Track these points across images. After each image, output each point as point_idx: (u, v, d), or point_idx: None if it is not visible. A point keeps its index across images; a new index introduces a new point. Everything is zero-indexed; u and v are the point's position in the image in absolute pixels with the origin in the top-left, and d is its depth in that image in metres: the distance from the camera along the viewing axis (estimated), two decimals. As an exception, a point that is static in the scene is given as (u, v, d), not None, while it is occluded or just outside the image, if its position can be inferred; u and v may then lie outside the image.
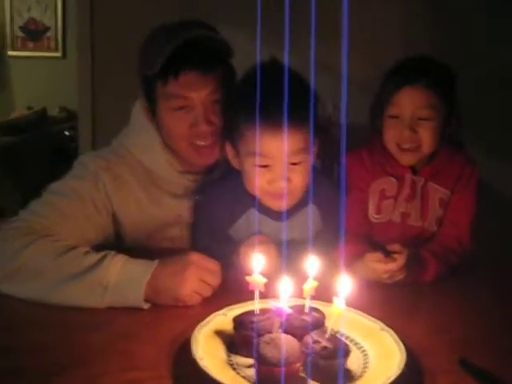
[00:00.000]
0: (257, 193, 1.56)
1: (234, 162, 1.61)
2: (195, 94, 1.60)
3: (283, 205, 1.55)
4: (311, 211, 1.63)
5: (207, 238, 1.68)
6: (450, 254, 1.67)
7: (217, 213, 1.66)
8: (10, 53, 6.75)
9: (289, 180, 1.50)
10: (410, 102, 1.66)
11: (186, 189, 1.75)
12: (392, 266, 1.51)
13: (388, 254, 1.51)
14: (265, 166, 1.50)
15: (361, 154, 1.78)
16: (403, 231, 1.74)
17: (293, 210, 1.63)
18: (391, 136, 1.70)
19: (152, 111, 1.69)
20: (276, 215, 1.62)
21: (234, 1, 3.27)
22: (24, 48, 6.68)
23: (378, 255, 1.52)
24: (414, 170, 1.74)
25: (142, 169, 1.72)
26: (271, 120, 1.42)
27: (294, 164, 1.50)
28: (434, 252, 1.64)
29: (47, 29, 6.64)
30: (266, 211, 1.62)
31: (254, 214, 1.63)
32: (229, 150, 1.61)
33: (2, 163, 4.73)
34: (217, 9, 3.20)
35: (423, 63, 1.72)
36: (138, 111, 1.75)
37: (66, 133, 5.71)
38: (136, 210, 1.71)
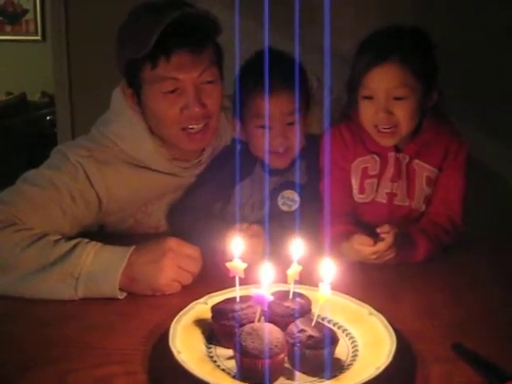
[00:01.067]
0: (260, 153, 1.71)
1: (242, 135, 1.75)
2: (187, 76, 1.52)
3: (285, 161, 1.72)
4: (298, 166, 1.75)
5: (209, 198, 1.73)
6: (442, 232, 1.61)
7: (226, 172, 1.71)
8: (-12, 37, 6.61)
9: (286, 138, 1.67)
10: (382, 83, 1.55)
11: (176, 175, 1.70)
12: (380, 245, 1.47)
13: (376, 236, 1.47)
14: (265, 127, 1.66)
15: (340, 130, 1.70)
16: (390, 211, 1.68)
17: (287, 168, 1.75)
18: (367, 118, 1.61)
19: (137, 97, 1.60)
20: (273, 171, 1.75)
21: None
22: (2, 32, 6.53)
23: (366, 239, 1.48)
24: (397, 147, 1.66)
25: (126, 155, 1.64)
26: (269, 87, 1.58)
27: (290, 124, 1.66)
28: (425, 230, 1.59)
29: (25, 11, 6.49)
30: (269, 171, 1.76)
31: (258, 174, 1.75)
32: (237, 124, 1.73)
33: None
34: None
35: (393, 36, 1.59)
36: (119, 99, 1.66)
37: (48, 118, 5.60)
38: (125, 190, 1.64)
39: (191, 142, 1.61)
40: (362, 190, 1.68)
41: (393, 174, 1.65)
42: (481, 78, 2.96)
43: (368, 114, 1.59)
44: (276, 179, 1.75)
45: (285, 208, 1.72)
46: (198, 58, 1.53)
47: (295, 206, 1.72)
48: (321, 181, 1.69)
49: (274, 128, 1.66)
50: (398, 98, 1.55)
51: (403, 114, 1.56)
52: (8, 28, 6.54)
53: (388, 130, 1.58)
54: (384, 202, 1.67)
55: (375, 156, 1.67)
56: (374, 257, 1.48)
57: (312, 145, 1.75)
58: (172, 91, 1.53)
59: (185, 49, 1.50)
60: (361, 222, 1.66)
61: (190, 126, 1.58)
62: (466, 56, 2.87)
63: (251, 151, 1.74)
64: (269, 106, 1.62)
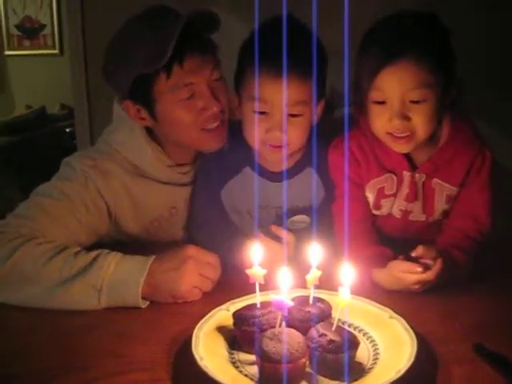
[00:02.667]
0: (255, 142, 1.54)
1: (237, 112, 1.58)
2: (201, 77, 1.54)
3: (280, 157, 1.54)
4: (308, 173, 1.61)
5: (205, 200, 1.66)
6: (476, 245, 1.49)
7: (213, 168, 1.64)
8: (7, 52, 6.71)
9: (285, 132, 1.48)
10: (395, 85, 1.34)
11: (177, 181, 1.71)
12: (427, 275, 1.32)
13: (414, 260, 1.35)
14: (263, 113, 1.47)
15: (350, 147, 1.54)
16: (405, 225, 1.58)
17: (290, 173, 1.61)
18: (379, 125, 1.42)
19: (149, 111, 1.59)
20: (272, 176, 1.61)
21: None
22: (20, 47, 6.64)
23: (411, 265, 1.33)
24: (412, 163, 1.50)
25: (129, 164, 1.66)
26: (274, 65, 1.39)
27: (293, 116, 1.47)
28: (462, 247, 1.45)
29: (43, 26, 6.59)
30: (262, 172, 1.62)
31: (248, 173, 1.63)
32: (234, 99, 1.58)
33: (3, 164, 4.70)
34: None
35: (402, 27, 1.38)
36: (117, 110, 1.69)
37: (67, 130, 5.65)
38: (129, 202, 1.65)
39: (212, 141, 1.62)
40: (377, 207, 1.58)
41: (407, 195, 1.52)
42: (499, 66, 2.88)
43: (381, 121, 1.40)
44: (277, 185, 1.61)
45: (295, 227, 1.62)
46: (206, 59, 1.55)
47: (306, 225, 1.63)
48: (335, 201, 1.57)
49: (273, 117, 1.47)
50: (415, 101, 1.36)
51: (421, 118, 1.37)
52: (27, 43, 6.64)
53: (403, 135, 1.40)
54: (398, 217, 1.57)
55: (392, 175, 1.52)
56: (417, 286, 1.34)
57: (324, 156, 1.58)
58: (188, 97, 1.54)
59: (195, 51, 1.52)
60: (388, 242, 1.53)
61: (209, 127, 1.59)
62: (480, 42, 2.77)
63: (244, 135, 1.57)
64: (272, 91, 1.44)
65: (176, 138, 1.63)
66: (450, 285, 1.35)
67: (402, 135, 1.40)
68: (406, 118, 1.37)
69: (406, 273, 1.33)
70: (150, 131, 1.67)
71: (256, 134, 1.51)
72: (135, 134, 1.65)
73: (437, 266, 1.32)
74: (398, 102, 1.36)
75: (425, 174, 1.50)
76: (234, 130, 1.60)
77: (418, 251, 1.34)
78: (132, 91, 1.56)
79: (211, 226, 1.62)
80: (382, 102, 1.38)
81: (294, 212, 1.63)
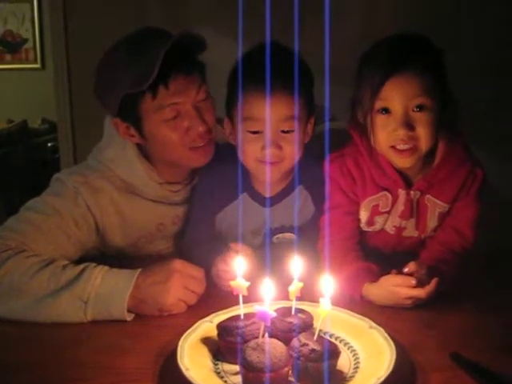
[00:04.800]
0: (250, 161, 1.57)
1: (231, 138, 1.62)
2: (186, 98, 1.57)
3: (276, 176, 1.59)
4: (297, 194, 1.65)
5: (200, 223, 1.69)
6: (458, 259, 1.53)
7: (210, 194, 1.67)
8: (-12, 66, 6.68)
9: (279, 147, 1.52)
10: (401, 93, 1.41)
11: (167, 199, 1.73)
12: (419, 293, 1.35)
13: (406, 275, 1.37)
14: (256, 133, 1.52)
15: (345, 163, 1.57)
16: (398, 240, 1.61)
17: (282, 195, 1.65)
18: (383, 137, 1.45)
19: (136, 129, 1.63)
20: (265, 201, 1.64)
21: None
22: (2, 61, 6.60)
23: (402, 279, 1.36)
24: (407, 181, 1.54)
25: (120, 181, 1.69)
26: (262, 85, 1.43)
27: (285, 132, 1.52)
28: (447, 261, 1.49)
29: (25, 40, 6.58)
30: (257, 197, 1.65)
31: (245, 200, 1.65)
32: (227, 126, 1.62)
33: (-16, 178, 4.68)
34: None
35: (405, 42, 1.46)
36: (108, 127, 1.72)
37: (49, 144, 5.64)
38: (117, 219, 1.68)
39: (198, 158, 1.65)
40: (370, 224, 1.59)
41: (402, 212, 1.55)
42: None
43: (385, 132, 1.44)
44: (271, 209, 1.65)
45: (279, 241, 1.67)
46: (191, 79, 1.58)
47: (290, 240, 1.66)
48: (326, 214, 1.58)
49: (265, 135, 1.51)
50: (418, 109, 1.41)
51: (424, 129, 1.42)
52: (8, 57, 6.61)
53: (407, 147, 1.43)
54: (392, 233, 1.60)
55: (387, 193, 1.55)
56: (409, 302, 1.36)
57: (312, 171, 1.61)
58: (174, 117, 1.57)
59: (179, 73, 1.55)
60: (364, 247, 1.59)
61: (196, 145, 1.62)
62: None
63: (240, 157, 1.59)
64: (262, 109, 1.48)
65: (164, 155, 1.66)
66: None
67: (405, 147, 1.43)
68: (411, 128, 1.41)
69: (399, 287, 1.36)
70: (141, 148, 1.69)
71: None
72: (126, 152, 1.68)
73: (431, 286, 1.34)
74: (402, 111, 1.41)
75: (419, 191, 1.54)
76: (233, 155, 1.62)
77: (411, 267, 1.37)
78: (121, 109, 1.59)
79: (202, 245, 1.64)
80: (387, 112, 1.43)
81: (284, 230, 1.67)
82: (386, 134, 1.44)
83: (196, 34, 1.59)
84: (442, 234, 1.58)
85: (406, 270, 1.37)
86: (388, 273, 1.40)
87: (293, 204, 1.64)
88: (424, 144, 1.44)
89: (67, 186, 1.62)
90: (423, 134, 1.42)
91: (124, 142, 1.68)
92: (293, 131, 1.52)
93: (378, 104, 1.43)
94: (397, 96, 1.41)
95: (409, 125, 1.41)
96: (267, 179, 1.58)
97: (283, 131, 1.52)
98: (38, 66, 6.58)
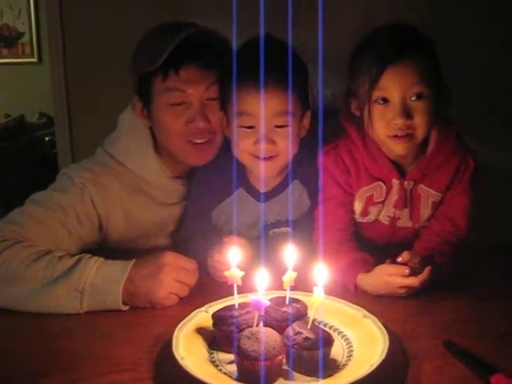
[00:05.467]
0: (243, 156, 1.57)
1: (226, 131, 1.62)
2: (194, 90, 1.60)
3: (272, 172, 1.59)
4: (290, 189, 1.65)
5: (196, 217, 1.70)
6: (454, 249, 1.54)
7: (206, 189, 1.68)
8: (-16, 61, 6.68)
9: (273, 142, 1.52)
10: (399, 82, 1.42)
11: (176, 193, 1.75)
12: (412, 281, 1.35)
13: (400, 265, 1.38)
14: (250, 128, 1.52)
15: (340, 154, 1.59)
16: (393, 231, 1.63)
17: (277, 190, 1.66)
18: (381, 127, 1.47)
19: (147, 111, 1.68)
20: (261, 196, 1.65)
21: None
22: (-2, 55, 6.61)
23: (396, 268, 1.36)
24: (401, 171, 1.56)
25: (130, 177, 1.70)
26: (256, 81, 1.44)
27: (279, 127, 1.51)
28: (442, 251, 1.50)
29: (21, 34, 6.57)
30: (253, 192, 1.66)
31: (241, 195, 1.66)
32: (222, 120, 1.62)
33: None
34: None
35: (401, 31, 1.48)
36: (128, 118, 1.74)
37: (47, 138, 5.64)
38: (123, 219, 1.69)
39: (195, 155, 1.67)
40: (365, 214, 1.62)
41: (396, 202, 1.57)
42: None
43: (383, 121, 1.46)
44: (266, 203, 1.65)
45: (275, 235, 1.67)
46: (205, 75, 1.60)
47: (286, 233, 1.66)
48: (320, 205, 1.59)
49: (259, 130, 1.51)
50: (416, 98, 1.44)
51: (422, 116, 1.44)
52: (5, 51, 6.61)
53: (404, 134, 1.45)
54: (386, 224, 1.62)
55: (381, 183, 1.57)
56: (403, 291, 1.37)
57: (308, 165, 1.63)
58: (179, 104, 1.61)
59: (193, 64, 1.59)
60: (359, 239, 1.61)
61: (195, 140, 1.64)
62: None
63: (233, 152, 1.60)
64: (256, 103, 1.49)
65: (166, 144, 1.69)
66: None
67: (403, 134, 1.45)
68: (409, 116, 1.44)
69: (393, 276, 1.36)
70: (155, 142, 1.72)
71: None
72: (142, 144, 1.71)
73: (424, 275, 1.35)
74: (400, 100, 1.43)
75: (413, 181, 1.56)
76: (228, 150, 1.63)
77: (404, 257, 1.37)
78: (138, 88, 1.66)
79: (198, 238, 1.64)
80: (385, 101, 1.45)
81: (280, 225, 1.67)
82: (384, 124, 1.46)
83: (217, 32, 1.63)
84: (435, 223, 1.60)
85: (399, 259, 1.37)
86: (382, 263, 1.40)
87: (288, 199, 1.65)
88: (421, 132, 1.46)
89: (74, 182, 1.63)
90: (420, 122, 1.45)
91: (139, 132, 1.71)
92: (287, 126, 1.52)
93: (376, 94, 1.45)
94: (395, 85, 1.43)
95: (407, 113, 1.43)
96: (261, 174, 1.60)
97: (277, 126, 1.51)
98: (34, 60, 6.59)
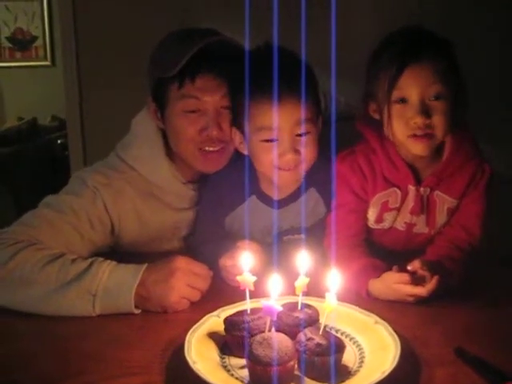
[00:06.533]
0: (270, 171, 1.57)
1: (241, 148, 1.62)
2: (209, 98, 1.60)
3: (294, 178, 1.59)
4: (304, 198, 1.64)
5: (208, 225, 1.69)
6: (467, 256, 1.53)
7: (219, 197, 1.68)
8: (-2, 64, 6.73)
9: (297, 152, 1.52)
10: (418, 81, 1.44)
11: (189, 198, 1.75)
12: (420, 291, 1.35)
13: (410, 273, 1.37)
14: (271, 141, 1.51)
15: (356, 159, 1.59)
16: (408, 237, 1.62)
17: (292, 198, 1.65)
18: (400, 127, 1.48)
19: (160, 113, 1.69)
20: (274, 203, 1.64)
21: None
22: (12, 58, 6.65)
23: (400, 276, 1.36)
24: (417, 178, 1.56)
25: (142, 182, 1.71)
26: (269, 92, 1.45)
27: (299, 135, 1.51)
28: (454, 258, 1.49)
29: (35, 38, 6.62)
30: (266, 200, 1.65)
31: (253, 202, 1.66)
32: (235, 136, 1.62)
33: (-5, 175, 4.72)
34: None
35: (418, 33, 1.51)
36: (141, 121, 1.75)
37: (59, 141, 5.67)
38: (136, 223, 1.70)
39: (206, 163, 1.67)
40: (380, 221, 1.61)
41: (412, 208, 1.57)
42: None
43: (402, 121, 1.47)
44: (281, 211, 1.64)
45: (289, 242, 1.66)
46: (221, 83, 1.60)
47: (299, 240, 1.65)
48: (333, 211, 1.59)
49: (282, 141, 1.51)
50: (435, 98, 1.45)
51: (441, 116, 1.45)
52: (18, 55, 6.66)
53: (424, 133, 1.45)
54: (402, 230, 1.61)
55: (396, 189, 1.57)
56: (411, 299, 1.37)
57: (323, 172, 1.60)
58: (193, 111, 1.61)
59: (209, 73, 1.59)
60: (374, 246, 1.61)
61: (207, 148, 1.64)
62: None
63: (255, 167, 1.61)
64: (275, 116, 1.48)
65: (178, 149, 1.69)
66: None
67: (423, 133, 1.46)
68: (428, 115, 1.44)
69: (400, 284, 1.36)
70: (167, 148, 1.72)
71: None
72: (154, 149, 1.72)
73: (431, 284, 1.34)
74: (419, 99, 1.44)
75: (429, 187, 1.55)
76: (240, 158, 1.63)
77: (415, 265, 1.37)
78: (154, 91, 1.68)
79: (210, 244, 1.63)
80: (403, 101, 1.46)
81: (294, 232, 1.67)
82: (404, 124, 1.47)
83: (234, 40, 1.64)
84: (449, 229, 1.59)
85: (409, 267, 1.37)
86: (390, 269, 1.40)
87: (303, 207, 1.64)
88: (440, 132, 1.47)
89: (87, 186, 1.64)
90: (439, 122, 1.45)
91: (152, 137, 1.72)
92: (307, 133, 1.52)
93: (396, 94, 1.46)
94: (413, 85, 1.44)
95: (426, 112, 1.44)
96: (284, 184, 1.61)
97: (298, 135, 1.51)
98: (48, 63, 6.63)
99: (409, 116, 1.46)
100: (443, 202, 1.57)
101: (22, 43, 6.64)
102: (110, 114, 3.19)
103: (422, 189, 1.55)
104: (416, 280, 1.36)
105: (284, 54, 1.49)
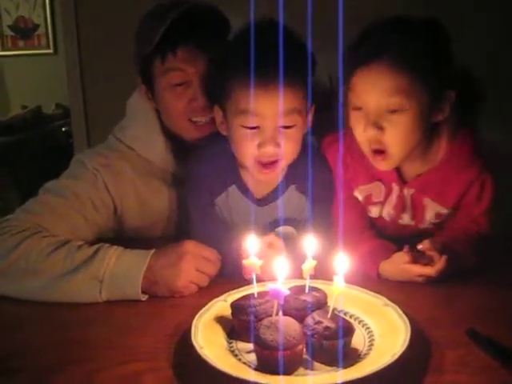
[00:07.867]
0: (247, 159, 1.45)
1: (222, 128, 1.51)
2: (193, 68, 1.59)
3: (272, 177, 1.50)
4: (281, 201, 1.56)
5: (198, 218, 1.58)
6: (476, 240, 1.46)
7: (199, 185, 1.60)
8: (1, 53, 6.73)
9: (277, 145, 1.39)
10: (369, 88, 1.27)
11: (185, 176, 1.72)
12: (429, 271, 1.32)
13: (419, 253, 1.35)
14: (254, 128, 1.38)
15: (339, 148, 1.49)
16: (397, 227, 1.56)
17: (272, 197, 1.57)
18: (358, 134, 1.36)
19: (151, 93, 1.68)
20: (256, 200, 1.57)
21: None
22: (15, 47, 6.66)
23: (411, 255, 1.34)
24: (402, 176, 1.47)
25: (141, 162, 1.71)
26: (262, 75, 1.30)
27: (286, 127, 1.38)
28: (465, 242, 1.43)
29: (37, 26, 6.61)
30: (246, 192, 1.57)
31: (235, 193, 1.58)
32: (217, 114, 1.51)
33: (0, 163, 4.72)
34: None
35: (391, 29, 1.30)
36: (135, 102, 1.76)
37: (63, 129, 5.67)
38: (137, 203, 1.69)
39: (197, 132, 1.65)
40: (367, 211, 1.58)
41: (395, 205, 1.51)
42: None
43: (359, 128, 1.35)
44: (263, 208, 1.56)
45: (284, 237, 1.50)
46: (203, 52, 1.59)
47: (292, 235, 1.55)
48: (338, 194, 1.53)
49: (264, 130, 1.38)
50: (391, 111, 1.28)
51: (395, 131, 1.29)
52: (21, 43, 6.66)
53: (378, 148, 1.33)
54: (388, 220, 1.56)
55: (380, 184, 1.50)
56: (421, 279, 1.34)
57: (303, 167, 1.48)
58: (180, 84, 1.60)
59: (190, 44, 1.57)
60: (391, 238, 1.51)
61: (196, 119, 1.63)
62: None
63: (234, 153, 1.49)
64: (261, 101, 1.34)
65: (170, 124, 1.69)
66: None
67: (376, 148, 1.35)
68: (380, 128, 1.31)
69: (409, 264, 1.34)
70: (162, 125, 1.72)
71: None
72: (149, 128, 1.72)
73: (440, 264, 1.31)
74: (373, 108, 1.31)
75: (413, 188, 1.48)
76: (221, 143, 1.54)
77: (425, 245, 1.34)
78: (141, 71, 1.67)
79: (213, 237, 1.50)
80: (359, 108, 1.34)
81: (280, 224, 1.58)
82: (360, 130, 1.35)
83: (214, 8, 1.61)
84: (457, 223, 1.51)
85: (419, 247, 1.35)
86: (401, 249, 1.38)
87: (289, 203, 1.57)
88: (395, 148, 1.33)
89: (87, 168, 1.63)
90: (393, 136, 1.31)
91: (146, 118, 1.72)
92: (293, 126, 1.39)
93: (351, 96, 1.34)
94: (366, 90, 1.29)
95: (378, 125, 1.30)
96: (263, 179, 1.50)
97: (283, 127, 1.38)
98: (50, 51, 6.63)
99: (363, 125, 1.32)
100: (431, 206, 1.50)
101: (24, 31, 6.64)
102: (113, 100, 3.17)
103: (405, 189, 1.49)
104: (425, 260, 1.34)
105: (276, 29, 1.32)
